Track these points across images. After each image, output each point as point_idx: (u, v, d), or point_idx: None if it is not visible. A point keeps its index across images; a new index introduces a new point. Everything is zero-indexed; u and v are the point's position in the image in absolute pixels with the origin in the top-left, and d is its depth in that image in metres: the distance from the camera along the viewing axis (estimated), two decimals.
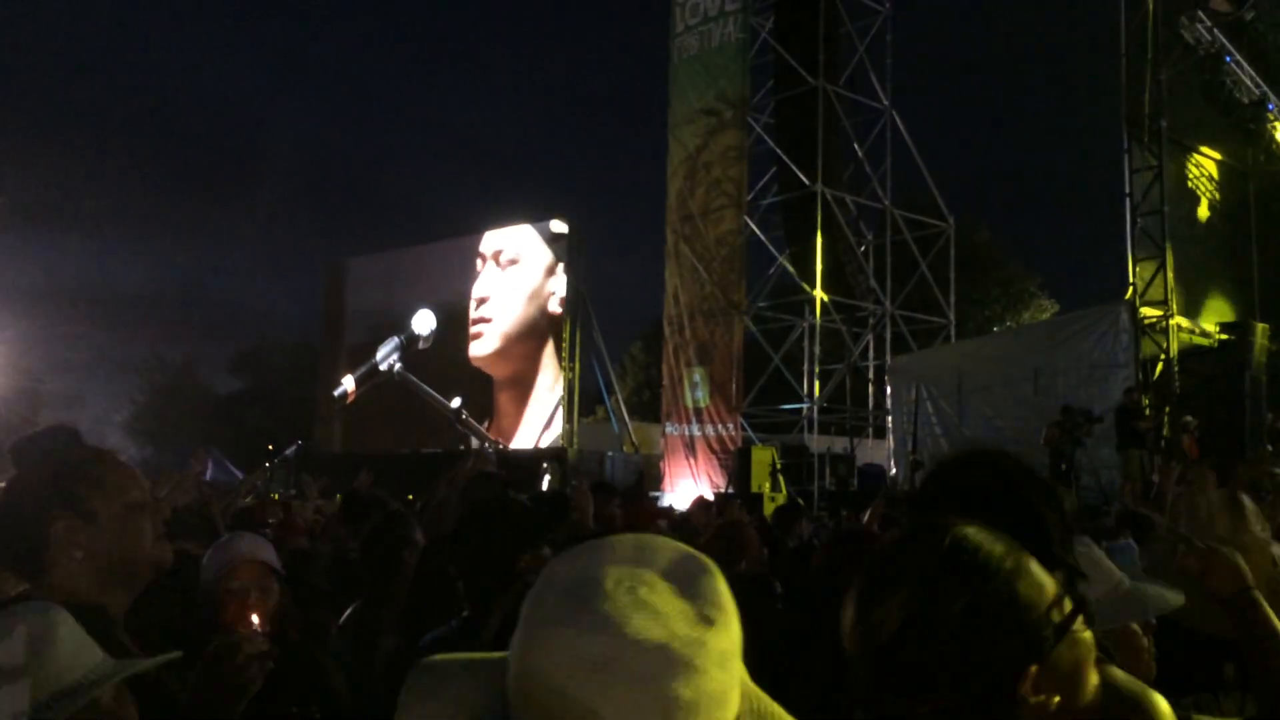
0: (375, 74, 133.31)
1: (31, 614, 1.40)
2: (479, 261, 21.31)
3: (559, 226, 21.95)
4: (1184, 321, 15.95)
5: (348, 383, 21.54)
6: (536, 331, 20.39)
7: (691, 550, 0.95)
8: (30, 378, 41.79)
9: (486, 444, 18.66)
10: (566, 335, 21.00)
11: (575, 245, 21.72)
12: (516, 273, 20.67)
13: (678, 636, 0.85)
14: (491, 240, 21.96)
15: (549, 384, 19.12)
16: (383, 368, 20.66)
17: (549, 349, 19.59)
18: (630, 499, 6.74)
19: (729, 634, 0.89)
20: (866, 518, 7.19)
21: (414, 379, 19.88)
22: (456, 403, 19.44)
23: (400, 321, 21.61)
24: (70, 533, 1.71)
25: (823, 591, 2.95)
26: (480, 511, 2.99)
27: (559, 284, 19.50)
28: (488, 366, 20.31)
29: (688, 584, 0.90)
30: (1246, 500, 2.62)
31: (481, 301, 20.52)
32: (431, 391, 19.81)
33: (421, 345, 20.26)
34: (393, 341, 20.77)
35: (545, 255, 20.03)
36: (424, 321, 20.95)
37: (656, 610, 0.86)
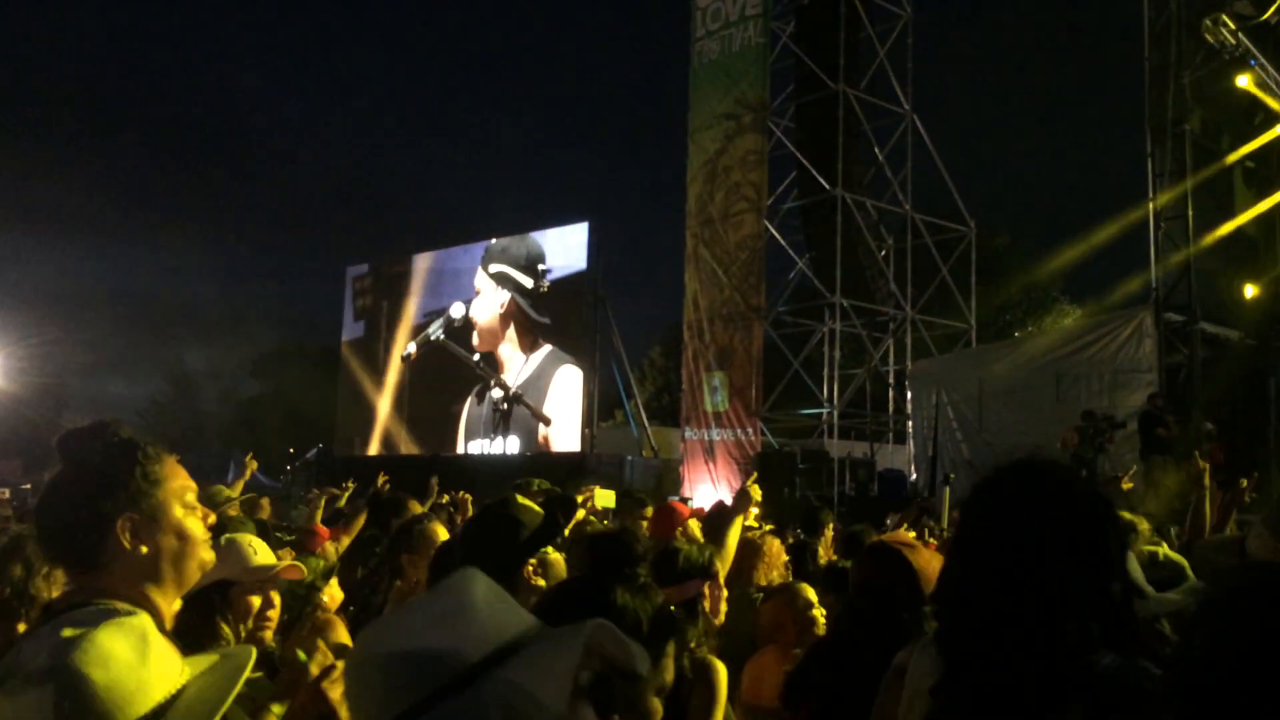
0: (400, 82, 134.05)
1: (125, 620, 1.38)
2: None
3: (579, 230, 22.07)
4: (1208, 327, 15.82)
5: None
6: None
7: None
8: (55, 379, 42.21)
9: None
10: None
11: (596, 248, 21.83)
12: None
13: None
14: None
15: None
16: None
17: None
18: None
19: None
20: (893, 527, 7.17)
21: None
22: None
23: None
24: (136, 528, 1.69)
25: (861, 605, 2.92)
26: (485, 518, 2.99)
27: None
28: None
29: None
30: None
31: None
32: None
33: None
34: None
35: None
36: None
37: None
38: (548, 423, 22.06)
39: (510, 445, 22.72)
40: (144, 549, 1.69)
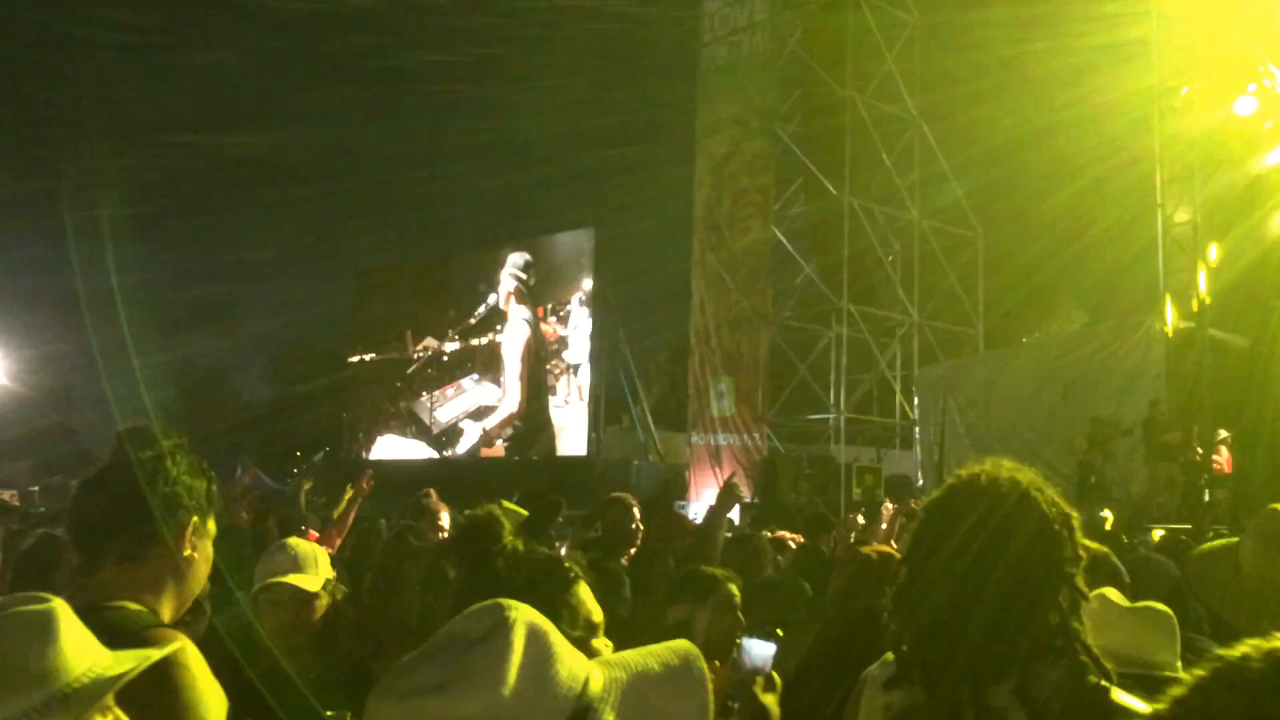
0: (409, 86, 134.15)
1: (28, 609, 1.36)
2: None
3: (586, 235, 22.11)
4: (1216, 333, 15.76)
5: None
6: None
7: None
8: (63, 381, 42.31)
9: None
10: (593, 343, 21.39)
11: (602, 253, 21.87)
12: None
13: None
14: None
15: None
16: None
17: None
18: (652, 510, 6.64)
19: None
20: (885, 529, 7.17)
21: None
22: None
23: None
24: (195, 534, 1.78)
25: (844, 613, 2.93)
26: (475, 523, 3.00)
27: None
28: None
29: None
30: None
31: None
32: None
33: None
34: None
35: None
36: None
37: None
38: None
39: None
40: (190, 554, 1.78)
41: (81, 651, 1.30)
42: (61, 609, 1.33)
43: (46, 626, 1.28)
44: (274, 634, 2.74)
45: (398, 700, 0.98)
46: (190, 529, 1.77)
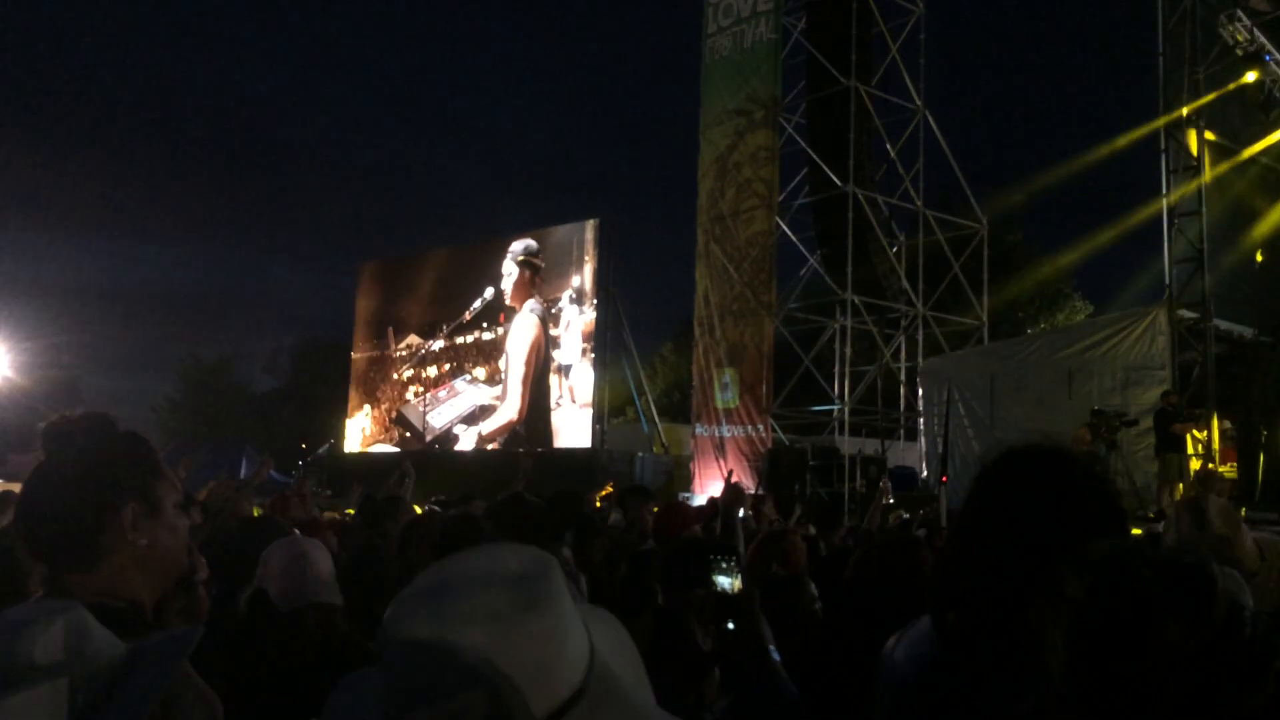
0: (412, 80, 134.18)
1: (66, 609, 1.37)
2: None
3: (589, 226, 22.05)
4: (1221, 324, 15.73)
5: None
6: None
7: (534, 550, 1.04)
8: (69, 373, 42.43)
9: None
10: (594, 333, 21.29)
11: (606, 245, 21.78)
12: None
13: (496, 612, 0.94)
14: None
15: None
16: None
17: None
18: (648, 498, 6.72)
19: (545, 617, 0.96)
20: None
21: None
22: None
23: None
24: (137, 520, 1.66)
25: (858, 598, 2.94)
26: (498, 510, 3.03)
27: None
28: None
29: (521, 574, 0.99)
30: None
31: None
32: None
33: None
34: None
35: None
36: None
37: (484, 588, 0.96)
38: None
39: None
40: (144, 540, 1.67)
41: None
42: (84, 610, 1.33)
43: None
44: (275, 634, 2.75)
45: (482, 624, 0.92)
46: (130, 513, 1.65)
